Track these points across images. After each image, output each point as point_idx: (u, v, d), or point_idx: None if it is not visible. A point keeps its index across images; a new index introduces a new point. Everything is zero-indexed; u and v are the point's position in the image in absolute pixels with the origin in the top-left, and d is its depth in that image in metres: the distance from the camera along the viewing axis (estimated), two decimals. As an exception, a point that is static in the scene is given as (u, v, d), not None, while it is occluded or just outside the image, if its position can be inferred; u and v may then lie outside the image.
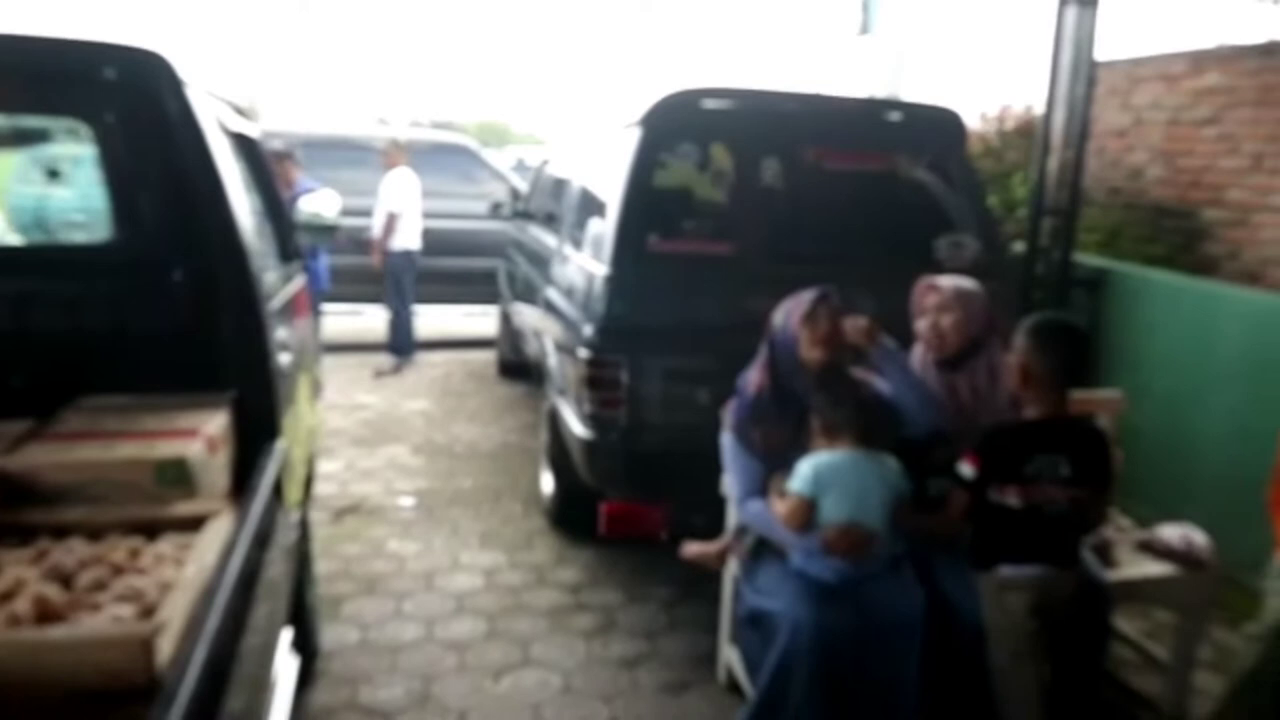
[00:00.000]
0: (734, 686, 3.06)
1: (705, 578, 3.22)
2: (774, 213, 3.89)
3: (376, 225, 7.22)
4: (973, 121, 7.19)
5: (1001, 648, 2.51)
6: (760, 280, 2.97)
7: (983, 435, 2.61)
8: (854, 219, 3.91)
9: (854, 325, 2.76)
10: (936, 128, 4.08)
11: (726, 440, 2.77)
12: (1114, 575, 2.89)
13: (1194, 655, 3.14)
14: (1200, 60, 6.07)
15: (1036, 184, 5.09)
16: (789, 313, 2.71)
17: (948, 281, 2.90)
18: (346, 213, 5.88)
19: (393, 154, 7.36)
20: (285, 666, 2.29)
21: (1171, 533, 3.08)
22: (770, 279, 2.97)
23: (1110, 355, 4.63)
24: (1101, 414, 3.35)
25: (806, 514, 2.45)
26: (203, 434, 2.06)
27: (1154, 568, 3.02)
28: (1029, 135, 6.59)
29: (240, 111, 3.03)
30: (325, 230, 4.08)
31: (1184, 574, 3.00)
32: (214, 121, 2.38)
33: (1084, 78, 4.88)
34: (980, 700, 2.63)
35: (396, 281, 7.33)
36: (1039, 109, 5.24)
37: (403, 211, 7.19)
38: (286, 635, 2.38)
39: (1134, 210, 6.38)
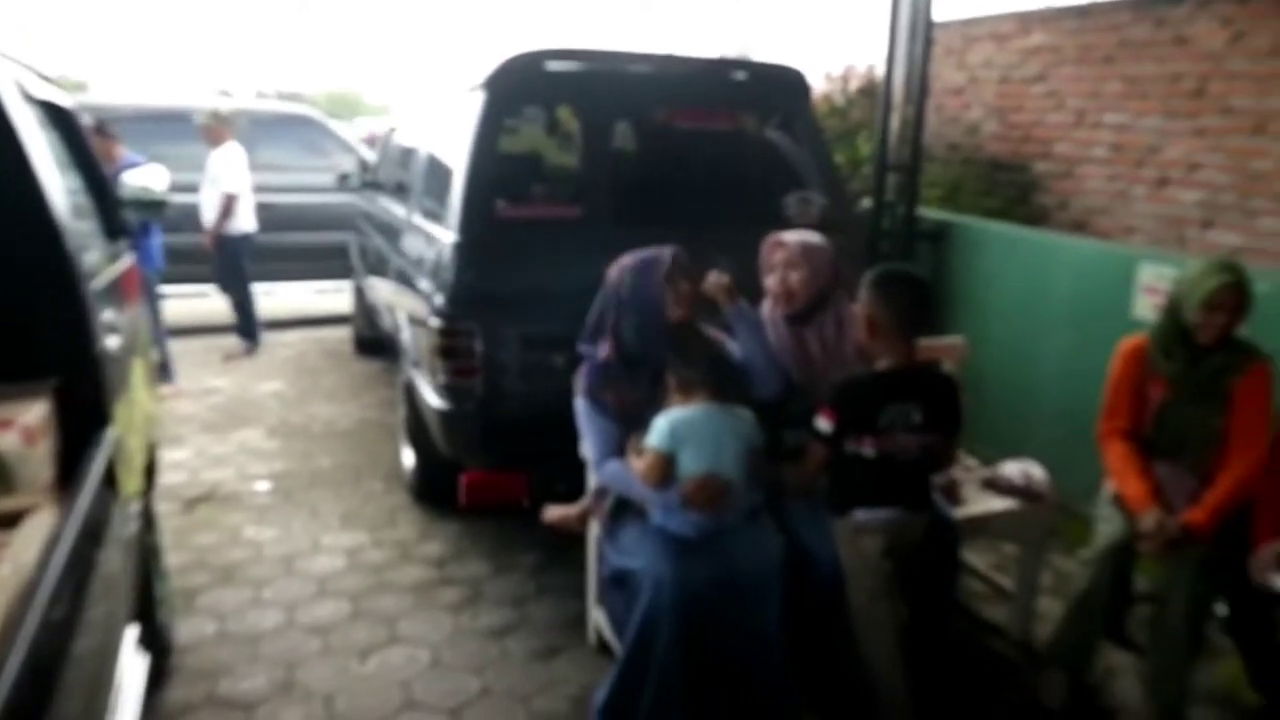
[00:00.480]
0: (604, 647, 3.08)
1: (572, 542, 3.22)
2: (623, 174, 3.88)
3: (207, 206, 6.77)
4: (819, 82, 7.35)
5: (858, 589, 2.59)
6: (612, 243, 2.95)
7: (837, 389, 2.65)
8: (703, 179, 3.94)
9: (716, 281, 2.79)
10: (782, 87, 4.14)
11: (580, 405, 2.75)
12: (961, 513, 3.03)
13: (1036, 583, 3.32)
14: (1027, 21, 6.34)
15: (880, 141, 5.23)
16: (640, 272, 2.71)
17: (794, 237, 2.95)
18: (178, 189, 5.58)
19: (215, 128, 6.77)
20: (132, 665, 2.18)
21: (1013, 469, 3.23)
22: (622, 241, 2.96)
23: (953, 304, 4.83)
24: (947, 360, 3.48)
25: (665, 469, 2.46)
26: (18, 425, 1.91)
27: (998, 503, 3.17)
28: (872, 94, 6.77)
29: (49, 81, 2.82)
30: (154, 205, 3.85)
31: (1025, 507, 3.16)
32: (13, 87, 2.20)
33: (921, 38, 5.02)
34: (840, 641, 2.73)
35: (236, 265, 6.93)
36: (881, 69, 5.38)
37: (240, 193, 6.75)
38: (132, 632, 2.26)
39: (972, 165, 6.65)
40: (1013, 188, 6.36)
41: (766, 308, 3.01)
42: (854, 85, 7.57)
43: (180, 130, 7.51)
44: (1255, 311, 3.29)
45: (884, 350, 2.62)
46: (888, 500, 2.61)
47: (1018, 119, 6.39)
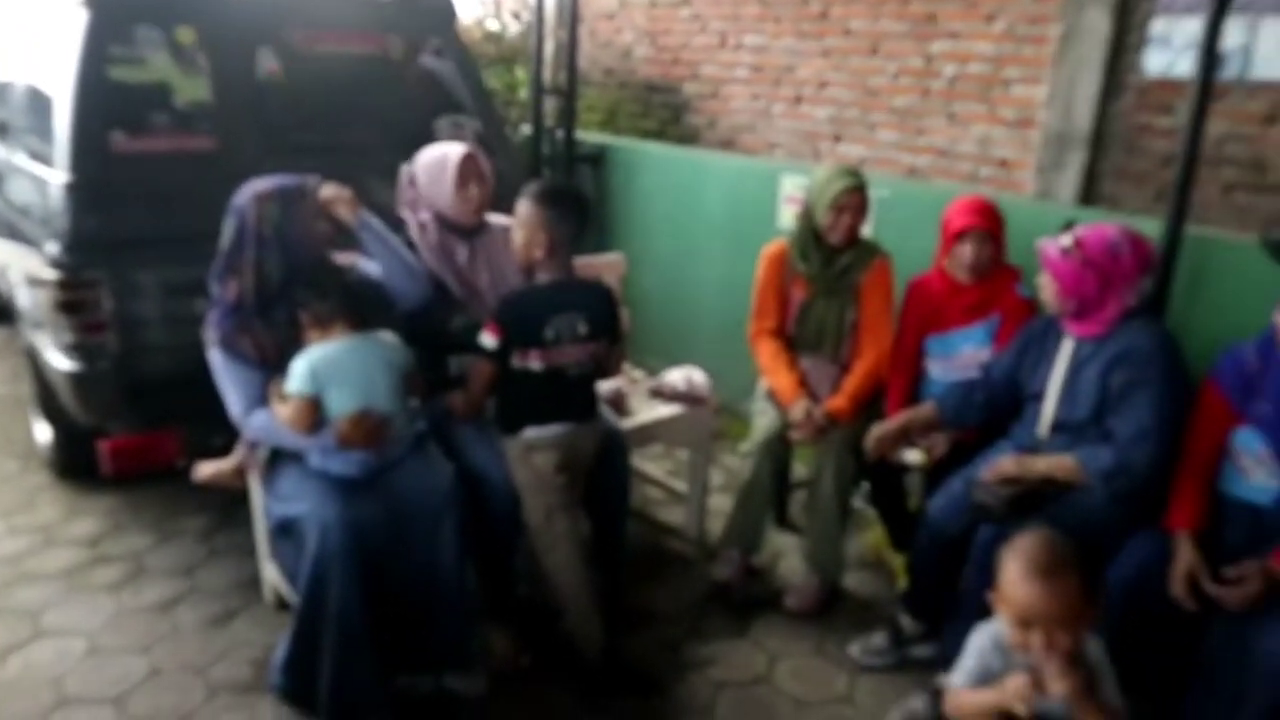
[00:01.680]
0: (283, 604, 2.92)
1: (243, 499, 3.01)
2: (262, 102, 3.59)
3: None
4: (473, 6, 7.20)
5: (535, 507, 2.62)
6: (252, 176, 2.73)
7: (500, 304, 2.63)
8: (349, 104, 3.75)
9: (336, 194, 2.62)
10: (426, 9, 3.99)
11: (214, 358, 2.49)
12: (630, 423, 3.13)
13: (706, 482, 3.51)
14: (662, -57, 6.51)
15: (535, 67, 5.20)
16: (283, 204, 2.47)
17: (470, 149, 2.85)
18: None
19: None
20: None
21: (676, 376, 3.39)
22: (264, 174, 2.74)
23: (615, 224, 4.95)
24: (607, 275, 3.56)
25: (311, 413, 2.33)
26: None
27: (664, 410, 3.31)
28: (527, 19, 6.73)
29: None
30: None
31: (689, 411, 3.32)
32: None
33: (570, -39, 5.01)
34: (523, 560, 2.76)
35: None
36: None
37: None
38: None
39: (628, 88, 6.80)
40: (666, 109, 6.58)
41: (412, 224, 2.89)
42: (507, 10, 7.48)
43: None
44: (878, 214, 3.62)
45: (547, 266, 2.63)
46: (557, 415, 2.64)
47: (667, 42, 6.58)
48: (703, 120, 6.36)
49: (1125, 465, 2.36)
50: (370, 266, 2.67)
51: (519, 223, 2.64)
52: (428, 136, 3.70)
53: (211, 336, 2.47)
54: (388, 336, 2.49)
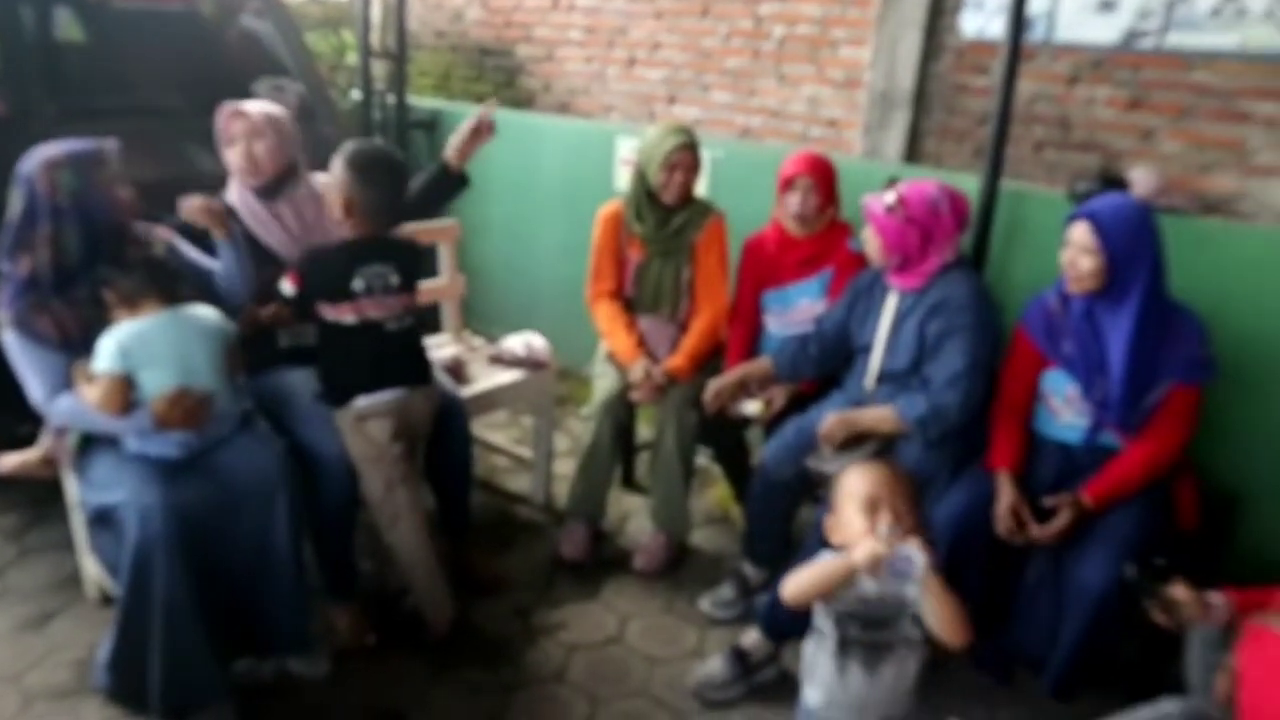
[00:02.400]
0: (107, 599, 2.76)
1: (56, 491, 2.81)
2: (58, 63, 3.34)
3: None
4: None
5: (373, 480, 2.54)
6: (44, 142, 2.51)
7: (303, 255, 2.56)
8: (157, 65, 3.52)
9: (201, 207, 2.48)
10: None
11: (9, 340, 2.29)
12: (470, 391, 3.08)
13: (551, 447, 3.50)
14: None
15: (362, 29, 5.02)
16: (80, 172, 2.29)
17: (255, 106, 2.70)
18: None
19: None
20: None
21: (515, 342, 3.35)
22: (57, 139, 2.53)
23: (452, 191, 4.83)
24: (441, 242, 3.48)
25: (122, 393, 2.18)
26: None
27: (504, 376, 3.26)
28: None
29: None
30: None
31: (530, 376, 3.29)
32: None
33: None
34: (363, 538, 2.69)
35: None
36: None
37: None
38: None
39: (460, 51, 6.64)
40: (500, 73, 6.46)
41: (234, 187, 2.75)
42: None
43: None
44: (712, 174, 3.65)
45: (356, 226, 2.54)
46: (385, 379, 2.57)
47: (499, 4, 6.45)
48: (538, 84, 6.27)
49: (938, 410, 2.47)
50: (185, 248, 2.52)
51: (331, 183, 2.54)
52: (246, 99, 3.51)
53: (4, 317, 2.27)
54: (203, 310, 2.35)
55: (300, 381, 2.66)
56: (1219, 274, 2.74)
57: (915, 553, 1.68)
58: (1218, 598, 1.98)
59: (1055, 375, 2.48)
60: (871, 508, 1.77)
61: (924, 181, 2.60)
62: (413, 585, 2.65)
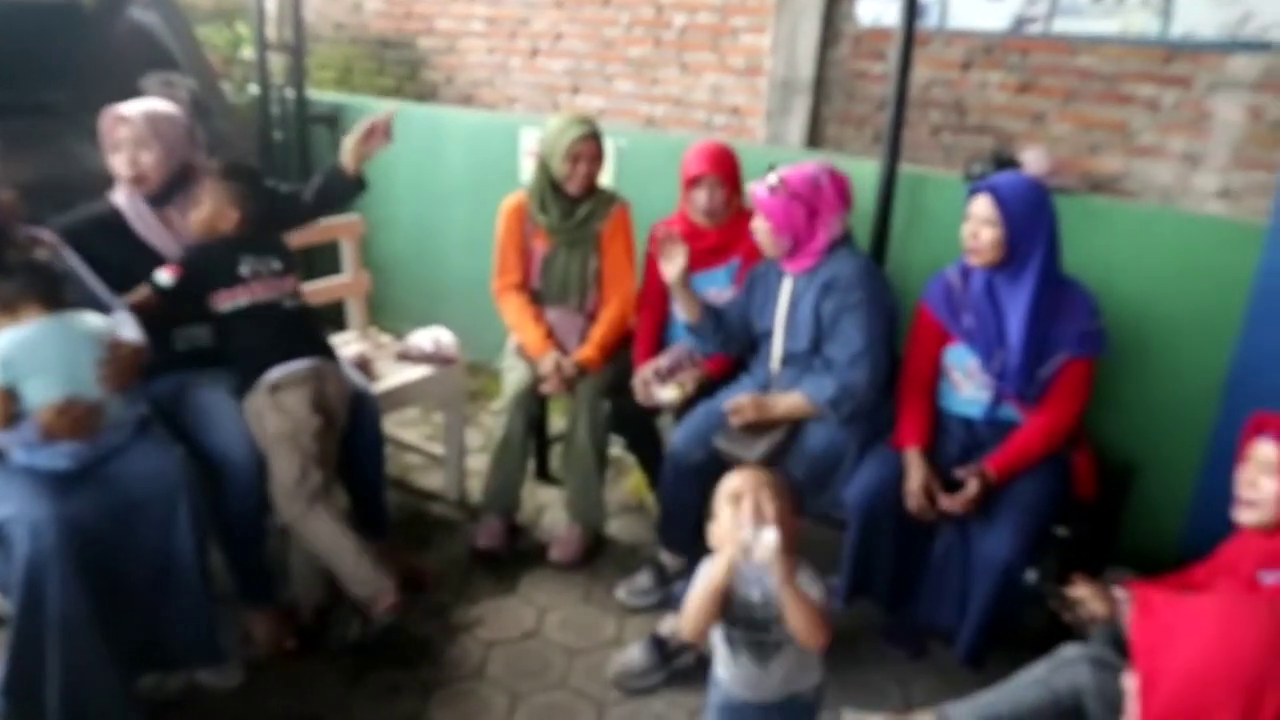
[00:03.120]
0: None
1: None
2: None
3: None
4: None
5: (287, 463, 2.46)
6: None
7: (185, 251, 2.59)
8: (39, 61, 3.37)
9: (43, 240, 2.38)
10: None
11: None
12: (379, 388, 3.03)
13: (463, 443, 3.47)
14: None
15: (258, 21, 4.88)
16: None
17: (137, 109, 2.60)
18: None
19: None
20: None
21: (422, 338, 3.31)
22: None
23: (356, 186, 4.74)
24: (344, 238, 3.42)
25: (6, 406, 2.08)
26: None
27: (413, 372, 3.23)
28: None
29: None
30: None
31: (439, 372, 3.26)
32: None
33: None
34: (276, 540, 2.63)
35: None
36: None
37: None
38: None
39: (360, 44, 6.52)
40: (403, 65, 6.36)
41: (121, 194, 2.65)
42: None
43: None
44: (617, 164, 3.65)
45: (234, 229, 2.62)
46: (294, 350, 2.58)
47: (399, -5, 6.36)
48: (440, 76, 6.20)
49: (847, 388, 2.52)
50: (69, 255, 2.43)
51: (211, 198, 2.58)
52: (134, 95, 3.39)
53: None
54: (90, 316, 2.26)
55: (200, 384, 2.60)
56: (1107, 250, 2.85)
57: (768, 532, 1.70)
58: (1120, 591, 2.06)
59: (957, 350, 2.55)
60: (735, 500, 1.81)
61: (802, 162, 2.66)
62: (341, 573, 2.55)
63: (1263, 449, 1.91)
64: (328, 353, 2.71)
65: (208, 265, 2.54)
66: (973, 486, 2.38)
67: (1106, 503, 2.67)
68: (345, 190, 2.91)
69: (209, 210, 2.57)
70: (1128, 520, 2.83)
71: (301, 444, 2.49)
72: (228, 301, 2.54)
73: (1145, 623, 1.37)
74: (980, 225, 2.40)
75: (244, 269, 2.56)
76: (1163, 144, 4.00)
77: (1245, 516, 1.93)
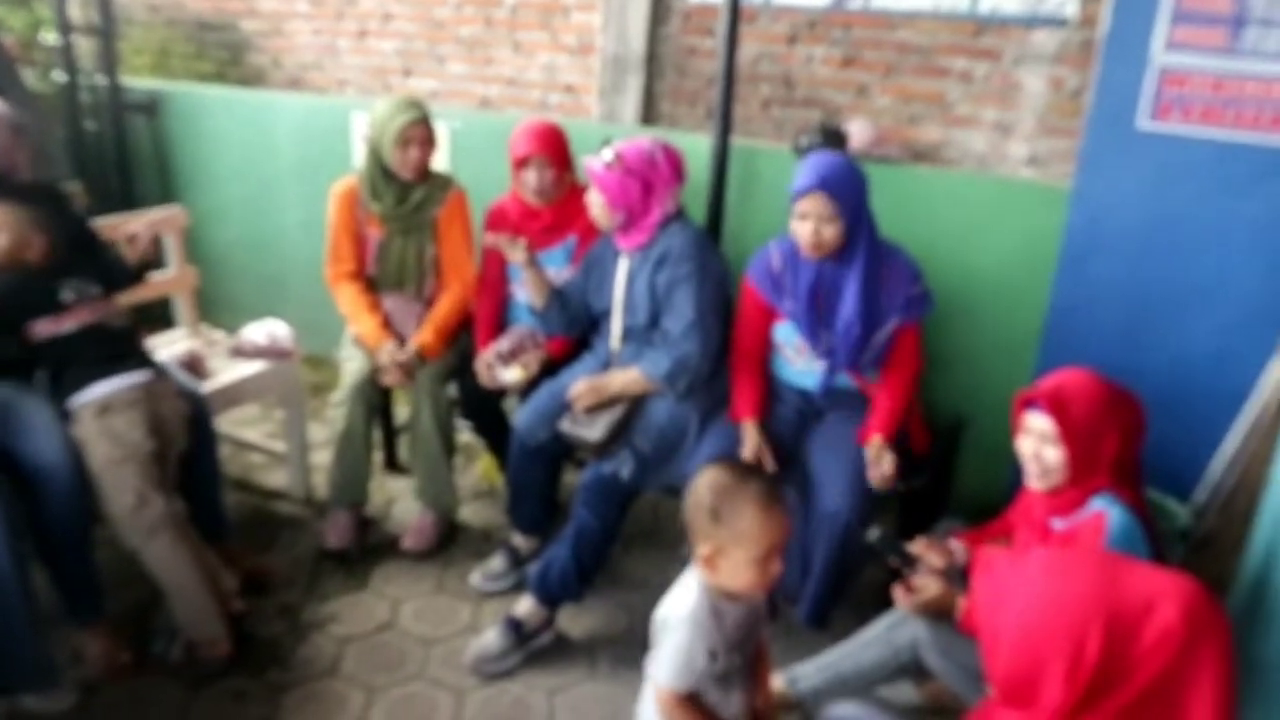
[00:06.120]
0: None
1: None
2: None
3: None
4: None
5: (121, 490, 2.33)
6: None
7: None
8: None
9: None
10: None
11: None
12: (211, 386, 2.92)
13: (305, 438, 3.37)
14: None
15: (59, 1, 4.59)
16: None
17: None
18: None
19: None
20: None
21: (256, 331, 3.20)
22: None
23: (179, 177, 4.53)
24: (168, 232, 3.28)
25: None
26: None
27: (247, 368, 3.12)
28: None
29: None
30: None
31: (274, 366, 3.16)
32: None
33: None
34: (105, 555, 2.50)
35: None
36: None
37: None
38: None
39: (177, 26, 6.21)
40: (224, 49, 6.10)
41: None
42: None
43: None
44: (452, 146, 3.60)
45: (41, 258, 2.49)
46: (117, 367, 2.46)
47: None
48: (266, 59, 5.97)
49: (681, 361, 2.57)
50: None
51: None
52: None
53: None
54: None
55: (9, 393, 2.43)
56: (929, 216, 2.99)
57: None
58: (955, 543, 2.16)
59: (785, 326, 2.62)
60: (769, 556, 1.68)
61: (637, 137, 2.68)
62: (176, 610, 2.45)
63: (1036, 421, 1.99)
64: (145, 360, 2.58)
65: (25, 297, 2.41)
66: (887, 459, 2.40)
67: (940, 456, 2.80)
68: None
69: (8, 240, 2.41)
70: (961, 472, 2.99)
71: (136, 470, 2.35)
72: (51, 329, 2.41)
73: (984, 581, 1.45)
74: (822, 224, 2.43)
75: (66, 294, 2.43)
76: (976, 114, 4.21)
77: (1039, 484, 2.01)
